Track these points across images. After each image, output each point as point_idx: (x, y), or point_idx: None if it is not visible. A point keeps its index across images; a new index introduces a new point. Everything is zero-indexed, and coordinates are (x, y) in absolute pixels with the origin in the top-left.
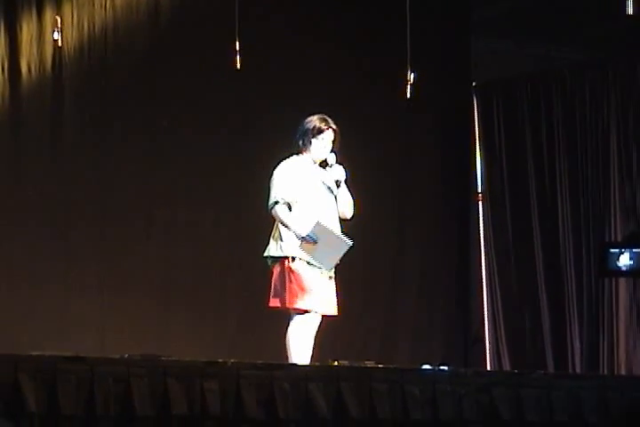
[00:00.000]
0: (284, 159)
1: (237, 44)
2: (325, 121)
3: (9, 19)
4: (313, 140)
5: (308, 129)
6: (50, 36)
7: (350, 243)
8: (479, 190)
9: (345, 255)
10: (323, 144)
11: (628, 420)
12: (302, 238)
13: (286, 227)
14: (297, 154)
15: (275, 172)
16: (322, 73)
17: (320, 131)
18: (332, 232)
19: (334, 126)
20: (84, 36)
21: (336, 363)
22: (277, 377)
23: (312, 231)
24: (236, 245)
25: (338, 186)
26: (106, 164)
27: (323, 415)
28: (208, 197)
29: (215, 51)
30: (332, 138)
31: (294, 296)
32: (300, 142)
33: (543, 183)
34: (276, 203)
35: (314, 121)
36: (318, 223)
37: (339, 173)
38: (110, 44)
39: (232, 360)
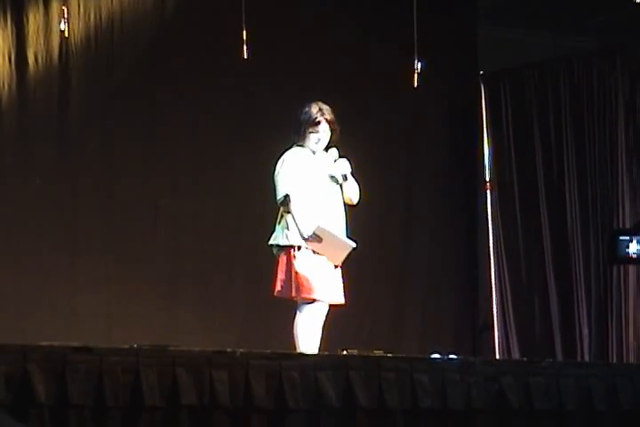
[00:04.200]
0: (287, 150)
1: (244, 33)
2: (321, 111)
3: (16, 9)
4: (308, 132)
5: (303, 120)
6: (57, 26)
7: (353, 245)
8: (487, 179)
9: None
10: (318, 136)
11: (638, 408)
12: (305, 239)
13: (295, 222)
14: (297, 145)
15: (278, 163)
16: (328, 62)
17: (316, 122)
18: (333, 235)
19: (329, 117)
20: (91, 27)
21: (345, 352)
22: (286, 367)
23: (314, 234)
24: (242, 234)
25: (345, 179)
26: (112, 154)
27: (332, 404)
28: (213, 187)
29: (222, 40)
30: (328, 128)
31: (300, 285)
32: (296, 135)
33: (551, 171)
34: (287, 196)
35: (309, 111)
36: (319, 227)
37: (344, 167)
38: (117, 34)
39: (241, 350)
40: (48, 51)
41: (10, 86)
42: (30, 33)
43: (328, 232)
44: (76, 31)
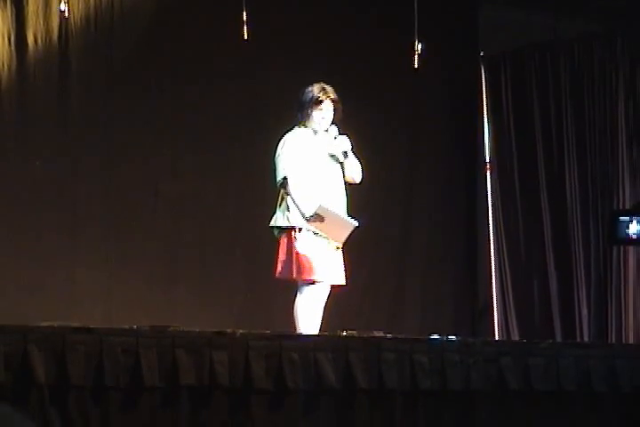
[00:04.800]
0: (288, 132)
1: (244, 13)
2: (324, 90)
3: None
4: (312, 112)
5: (307, 100)
6: (56, 7)
7: (355, 223)
8: (487, 160)
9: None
10: (322, 115)
11: (637, 389)
12: (307, 220)
13: (295, 203)
14: (299, 125)
15: (279, 145)
16: (328, 44)
17: (319, 101)
18: (335, 214)
19: (333, 96)
20: (91, 7)
21: (345, 333)
22: (286, 347)
23: (315, 213)
24: (243, 216)
25: (345, 156)
26: (112, 136)
27: (331, 385)
28: (214, 169)
29: (222, 20)
30: (332, 108)
31: (301, 267)
32: (299, 115)
33: (551, 153)
34: (285, 178)
35: (313, 91)
36: (320, 207)
37: (344, 144)
38: (117, 14)
39: (241, 331)
40: (48, 32)
41: (9, 67)
42: (30, 14)
43: (330, 211)
44: (75, 12)
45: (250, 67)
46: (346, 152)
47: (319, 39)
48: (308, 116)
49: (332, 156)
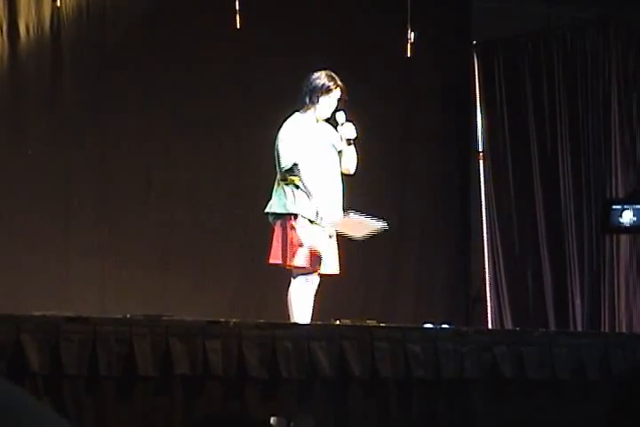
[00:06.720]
0: (288, 118)
1: (237, 2)
2: (334, 79)
3: None
4: (321, 99)
5: (316, 86)
6: None
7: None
8: (480, 149)
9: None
10: (330, 102)
11: (629, 377)
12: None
13: (306, 189)
14: (300, 111)
15: (282, 130)
16: (321, 32)
17: (329, 89)
18: (359, 218)
19: (341, 84)
20: None
21: (338, 322)
22: (279, 336)
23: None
24: (236, 203)
25: (349, 144)
26: (105, 124)
27: (325, 374)
28: (207, 157)
29: (215, 9)
30: (339, 96)
31: (296, 254)
32: (308, 99)
33: (544, 141)
34: (296, 165)
35: (322, 78)
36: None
37: (350, 130)
38: (109, 4)
39: (234, 320)
40: (40, 21)
41: (1, 57)
42: (22, 3)
43: (353, 218)
44: (67, 1)
45: (243, 53)
46: (350, 139)
47: (312, 28)
48: (315, 102)
49: (332, 145)
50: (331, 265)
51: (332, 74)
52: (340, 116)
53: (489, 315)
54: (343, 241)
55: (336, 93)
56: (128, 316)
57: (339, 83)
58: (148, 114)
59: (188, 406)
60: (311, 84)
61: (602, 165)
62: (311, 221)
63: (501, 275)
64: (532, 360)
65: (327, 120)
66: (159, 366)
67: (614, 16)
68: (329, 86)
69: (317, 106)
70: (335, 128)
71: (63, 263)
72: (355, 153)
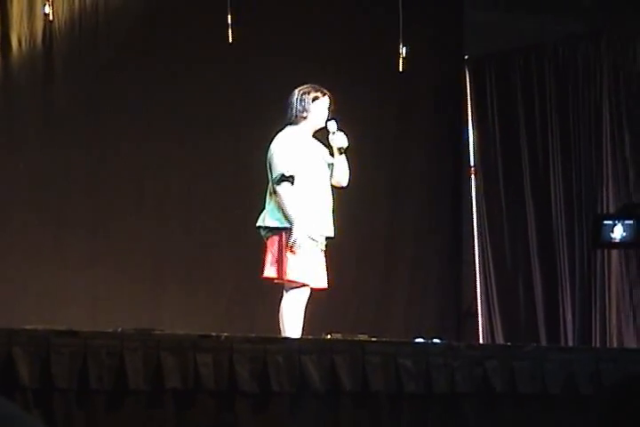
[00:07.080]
0: (279, 131)
1: (229, 16)
2: (320, 88)
3: None
4: (312, 107)
5: (304, 97)
6: (40, 9)
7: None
8: (472, 164)
9: (338, 227)
10: (322, 110)
11: (621, 392)
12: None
13: (284, 207)
14: (291, 125)
15: (274, 143)
16: (313, 47)
17: (316, 98)
18: None
19: (328, 93)
20: (75, 10)
21: (329, 336)
22: (271, 350)
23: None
24: (229, 216)
25: (341, 153)
26: (97, 136)
27: (316, 388)
28: (200, 169)
29: (207, 23)
30: (329, 105)
31: (289, 268)
32: (299, 111)
33: (536, 156)
34: (292, 177)
35: (309, 89)
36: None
37: (342, 140)
38: (101, 17)
39: (225, 334)
40: (32, 34)
41: None
42: (14, 16)
43: None
44: (60, 14)
45: (237, 68)
46: (342, 148)
47: (304, 42)
48: (308, 112)
49: (323, 158)
50: (321, 280)
51: (317, 85)
52: (332, 126)
53: (480, 330)
54: (336, 256)
55: (325, 101)
56: (119, 330)
57: (325, 91)
58: (140, 127)
59: (180, 420)
60: (298, 95)
61: (593, 179)
62: (308, 236)
63: (492, 289)
64: (523, 375)
65: (320, 130)
66: (150, 379)
67: (605, 29)
68: (317, 95)
69: (310, 115)
70: (327, 138)
71: (55, 276)
72: (346, 164)
